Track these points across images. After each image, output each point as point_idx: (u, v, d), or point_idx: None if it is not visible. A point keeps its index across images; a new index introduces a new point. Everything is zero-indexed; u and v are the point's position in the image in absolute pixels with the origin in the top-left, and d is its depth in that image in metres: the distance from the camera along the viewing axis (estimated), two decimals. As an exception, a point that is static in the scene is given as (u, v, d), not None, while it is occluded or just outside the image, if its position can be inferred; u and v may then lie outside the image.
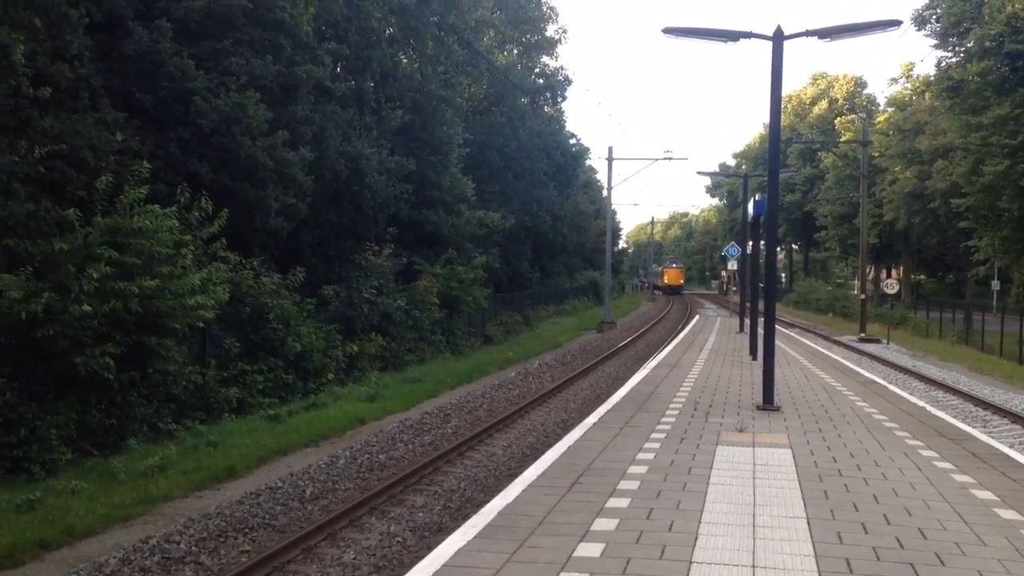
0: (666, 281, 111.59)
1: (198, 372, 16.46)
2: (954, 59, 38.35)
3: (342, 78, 27.62)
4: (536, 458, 10.04)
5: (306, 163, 21.97)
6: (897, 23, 12.91)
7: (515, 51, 51.66)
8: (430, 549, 6.66)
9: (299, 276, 20.87)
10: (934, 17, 39.05)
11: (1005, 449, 10.55)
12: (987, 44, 34.25)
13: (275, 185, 20.85)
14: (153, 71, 18.45)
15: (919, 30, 40.50)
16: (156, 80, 18.53)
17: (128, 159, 16.62)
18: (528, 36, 51.01)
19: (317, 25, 24.43)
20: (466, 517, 8.44)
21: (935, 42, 39.06)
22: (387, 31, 30.85)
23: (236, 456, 13.56)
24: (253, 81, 20.22)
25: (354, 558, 9.23)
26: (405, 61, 34.52)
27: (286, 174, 21.12)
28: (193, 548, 9.44)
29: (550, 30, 51.69)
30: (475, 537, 6.41)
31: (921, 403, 14.83)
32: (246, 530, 10.17)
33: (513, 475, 10.76)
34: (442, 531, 9.84)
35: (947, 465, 9.25)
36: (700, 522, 6.83)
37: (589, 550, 6.09)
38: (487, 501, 7.95)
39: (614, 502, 7.42)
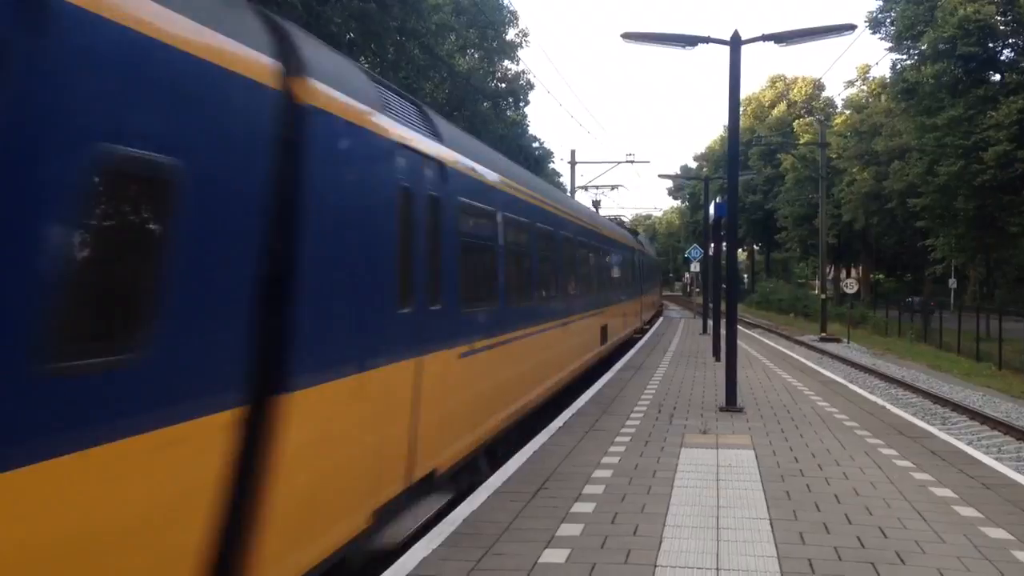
0: None
1: None
2: (908, 62, 38.96)
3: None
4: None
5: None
6: (852, 27, 13.10)
7: (476, 55, 51.59)
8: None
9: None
10: (888, 20, 39.65)
11: (963, 446, 10.73)
12: (940, 47, 34.84)
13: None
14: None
15: (874, 33, 41.17)
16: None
17: None
18: (489, 41, 50.97)
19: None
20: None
21: (890, 45, 39.69)
22: (347, 36, 30.66)
23: None
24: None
25: None
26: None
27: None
28: None
29: (511, 34, 51.65)
30: (440, 546, 6.38)
31: (881, 401, 15.04)
32: None
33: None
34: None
35: (907, 463, 9.38)
36: (664, 525, 6.86)
37: (554, 556, 6.10)
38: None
39: (579, 507, 7.43)
